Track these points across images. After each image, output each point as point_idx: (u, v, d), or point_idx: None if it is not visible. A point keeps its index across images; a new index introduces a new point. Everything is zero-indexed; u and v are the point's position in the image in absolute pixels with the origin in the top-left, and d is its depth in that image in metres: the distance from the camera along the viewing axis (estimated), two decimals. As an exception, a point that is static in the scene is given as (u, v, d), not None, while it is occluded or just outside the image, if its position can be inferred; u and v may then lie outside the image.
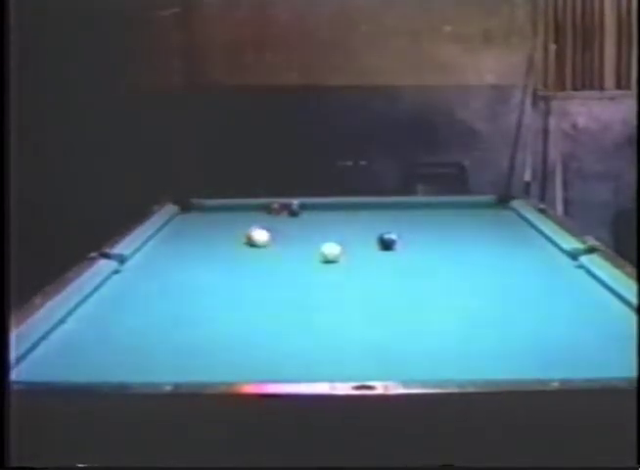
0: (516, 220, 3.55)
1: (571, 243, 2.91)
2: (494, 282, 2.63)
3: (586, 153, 5.33)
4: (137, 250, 3.02)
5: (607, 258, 2.67)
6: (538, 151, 5.35)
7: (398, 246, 3.02)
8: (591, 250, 2.78)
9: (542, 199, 5.05)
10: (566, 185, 5.32)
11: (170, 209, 3.76)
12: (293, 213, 3.74)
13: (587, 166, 5.33)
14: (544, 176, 5.35)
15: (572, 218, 4.85)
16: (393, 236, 3.02)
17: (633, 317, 2.14)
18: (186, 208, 3.84)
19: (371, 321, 2.23)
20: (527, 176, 5.28)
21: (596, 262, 2.64)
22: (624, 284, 2.36)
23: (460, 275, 2.71)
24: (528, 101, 5.31)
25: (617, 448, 1.60)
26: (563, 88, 5.33)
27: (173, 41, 5.25)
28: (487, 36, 5.22)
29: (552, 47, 5.29)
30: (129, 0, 5.05)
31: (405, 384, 1.67)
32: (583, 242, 2.88)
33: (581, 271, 2.65)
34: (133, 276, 2.74)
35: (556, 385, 1.67)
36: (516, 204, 3.76)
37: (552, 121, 5.32)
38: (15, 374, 1.76)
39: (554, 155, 5.32)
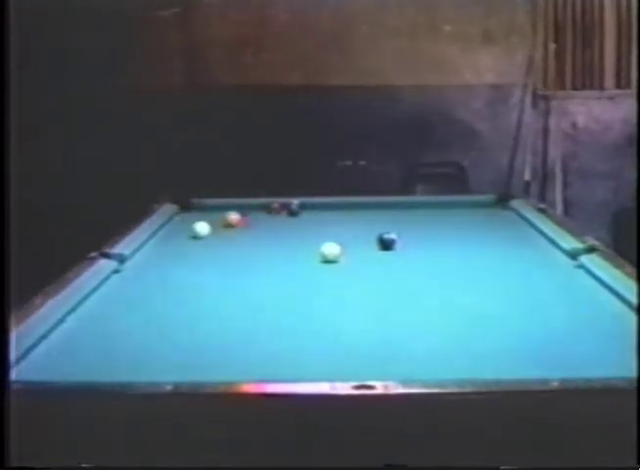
0: (515, 220, 3.55)
1: (570, 243, 2.91)
2: (494, 282, 2.63)
3: (586, 152, 5.33)
4: (137, 249, 3.02)
5: (607, 257, 2.67)
6: (538, 150, 5.35)
7: (398, 246, 3.02)
8: (591, 249, 2.78)
9: (542, 198, 5.06)
10: (566, 185, 5.33)
11: (170, 208, 3.77)
12: (293, 213, 3.74)
13: (587, 166, 5.33)
14: (544, 176, 5.36)
15: (572, 218, 4.86)
16: (393, 236, 3.02)
17: (633, 317, 2.14)
18: (186, 207, 3.84)
19: (371, 321, 2.23)
20: (527, 176, 5.28)
21: (596, 262, 2.64)
22: (624, 284, 2.36)
23: (460, 275, 2.70)
24: (528, 100, 5.31)
25: (617, 448, 1.60)
26: (563, 88, 5.33)
27: (173, 41, 5.26)
28: (487, 36, 5.22)
29: (552, 46, 5.29)
30: (129, 0, 5.05)
31: (405, 384, 1.67)
32: (583, 242, 2.88)
33: (581, 271, 2.65)
34: (133, 276, 2.74)
35: (556, 385, 1.67)
36: (515, 203, 3.76)
37: (552, 121, 5.33)
38: (15, 374, 1.77)
39: (554, 154, 5.32)
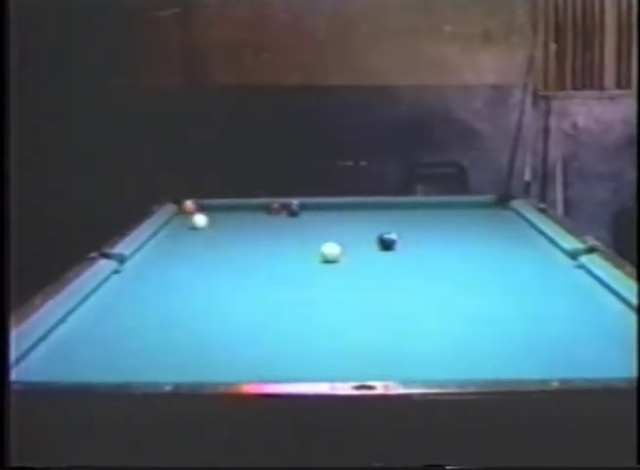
0: (516, 220, 3.55)
1: (571, 243, 2.91)
2: (494, 282, 2.63)
3: (586, 153, 5.33)
4: (137, 250, 3.02)
5: (607, 257, 2.67)
6: (538, 151, 5.34)
7: (398, 246, 3.02)
8: (591, 250, 2.78)
9: (542, 199, 5.05)
10: (566, 185, 5.32)
11: (170, 209, 3.77)
12: (293, 213, 3.74)
13: (587, 166, 5.33)
14: (544, 176, 5.35)
15: (573, 218, 4.85)
16: (393, 236, 3.02)
17: (633, 317, 2.14)
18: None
19: (371, 321, 2.23)
20: (527, 176, 5.28)
21: (596, 262, 2.64)
22: (624, 284, 2.36)
23: (460, 275, 2.70)
24: (529, 101, 5.30)
25: (617, 448, 1.60)
26: (563, 88, 5.33)
27: (173, 41, 5.25)
28: (487, 36, 5.21)
29: (552, 46, 5.29)
30: (129, 0, 5.05)
31: (405, 384, 1.67)
32: (583, 242, 2.88)
33: (581, 271, 2.65)
34: (133, 276, 2.74)
35: (556, 385, 1.67)
36: (516, 203, 3.76)
37: (552, 121, 5.32)
38: (15, 374, 1.76)
39: (554, 154, 5.32)
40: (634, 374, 1.70)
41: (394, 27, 5.18)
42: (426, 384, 1.68)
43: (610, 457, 1.59)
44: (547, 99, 5.32)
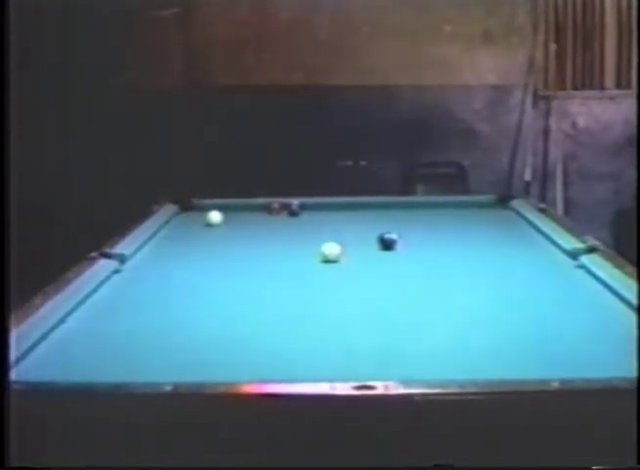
0: (516, 220, 3.55)
1: (571, 243, 2.91)
2: (494, 282, 2.62)
3: (586, 152, 5.33)
4: (137, 250, 3.02)
5: (607, 257, 2.67)
6: (539, 151, 5.34)
7: (399, 246, 3.02)
8: (591, 249, 2.78)
9: (542, 199, 5.05)
10: (566, 185, 5.32)
11: (170, 208, 3.77)
12: (293, 213, 3.74)
13: (587, 166, 5.33)
14: (544, 176, 5.35)
15: (573, 218, 4.85)
16: (394, 236, 3.02)
17: (633, 317, 2.14)
18: (186, 207, 3.84)
19: (371, 321, 2.23)
20: (528, 176, 5.28)
21: (596, 262, 2.64)
22: (624, 284, 2.36)
23: (460, 275, 2.70)
24: (529, 101, 5.30)
25: (617, 448, 1.60)
26: (563, 88, 5.32)
27: (173, 41, 5.25)
28: (487, 36, 5.21)
29: (552, 47, 5.28)
30: (129, 0, 5.05)
31: (406, 384, 1.67)
32: (583, 242, 2.88)
33: (581, 271, 2.65)
34: (133, 276, 2.74)
35: (556, 385, 1.67)
36: (516, 203, 3.76)
37: (552, 121, 5.32)
38: (15, 374, 1.76)
39: (554, 154, 5.32)
40: (634, 374, 1.70)
41: (395, 27, 5.17)
42: (426, 384, 1.68)
43: (610, 457, 1.59)
44: (547, 99, 5.32)
